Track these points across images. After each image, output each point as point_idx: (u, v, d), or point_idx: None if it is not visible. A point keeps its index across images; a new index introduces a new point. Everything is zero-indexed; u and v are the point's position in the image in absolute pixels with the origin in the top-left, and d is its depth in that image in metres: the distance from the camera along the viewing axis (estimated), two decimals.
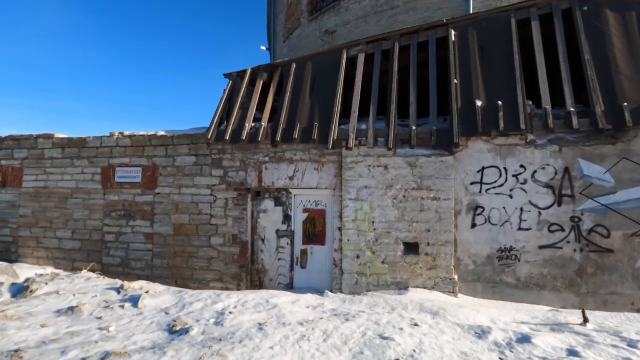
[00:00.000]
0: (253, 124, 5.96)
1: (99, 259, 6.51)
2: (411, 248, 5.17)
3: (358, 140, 5.39)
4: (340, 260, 5.43)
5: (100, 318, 3.56)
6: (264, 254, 5.98)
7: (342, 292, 5.27)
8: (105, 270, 6.43)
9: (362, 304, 4.26)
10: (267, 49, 23.02)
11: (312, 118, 5.74)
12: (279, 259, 5.90)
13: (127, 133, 6.55)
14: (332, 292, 5.38)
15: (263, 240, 5.98)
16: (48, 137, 6.89)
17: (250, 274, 5.92)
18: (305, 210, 5.81)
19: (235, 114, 6.06)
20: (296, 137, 5.57)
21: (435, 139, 5.10)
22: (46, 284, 4.63)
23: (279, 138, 5.64)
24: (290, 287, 5.80)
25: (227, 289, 5.87)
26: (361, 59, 6.00)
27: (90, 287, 4.67)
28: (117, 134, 6.55)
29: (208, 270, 5.99)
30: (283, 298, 4.39)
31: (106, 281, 5.03)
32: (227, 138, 5.83)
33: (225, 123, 6.14)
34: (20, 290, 4.71)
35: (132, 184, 6.40)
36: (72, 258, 6.66)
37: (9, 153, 7.12)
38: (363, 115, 5.82)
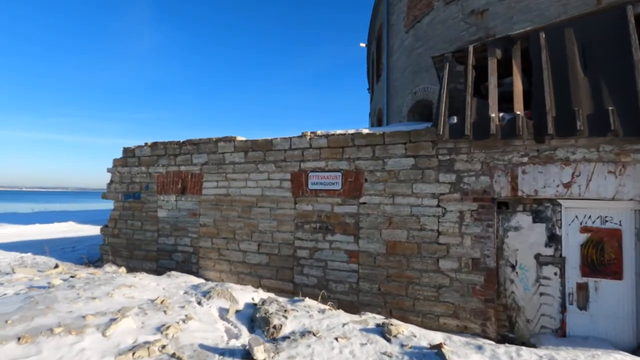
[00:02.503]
0: (500, 114, 4.56)
1: (290, 277, 5.69)
2: None
3: None
4: None
5: None
6: (514, 285, 4.52)
7: None
8: (298, 291, 5.59)
9: None
10: (365, 45, 21.89)
11: (597, 100, 4.13)
12: (540, 294, 4.39)
13: (320, 132, 5.65)
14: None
15: (513, 267, 4.52)
16: (229, 140, 6.34)
17: (496, 311, 4.52)
18: (585, 230, 4.22)
19: (469, 102, 4.73)
20: (580, 127, 4.02)
21: None
22: (285, 317, 3.75)
23: (550, 130, 4.13)
24: (561, 334, 4.25)
25: (465, 328, 4.54)
26: None
27: (336, 325, 3.69)
28: (309, 133, 5.69)
29: (436, 302, 4.73)
30: None
31: (349, 317, 4.04)
32: (468, 133, 4.52)
33: (448, 115, 4.86)
34: (251, 322, 3.91)
35: (330, 191, 5.45)
36: (258, 274, 5.97)
37: (187, 158, 6.76)
38: None
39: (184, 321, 3.68)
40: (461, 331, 4.56)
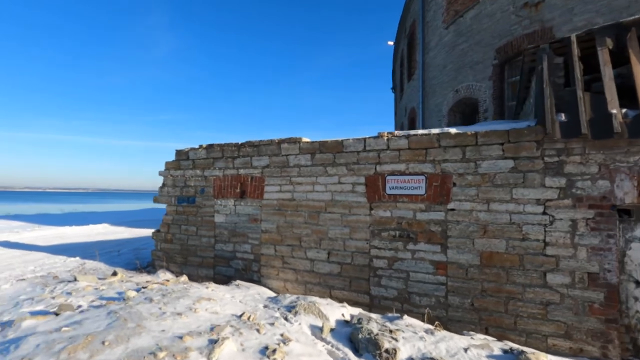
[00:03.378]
0: (622, 110, 4.05)
1: (366, 288, 5.29)
2: None
3: None
4: None
5: None
6: (639, 303, 3.99)
7: None
8: (375, 304, 5.19)
9: None
10: (393, 43, 21.35)
11: None
12: None
13: (398, 133, 5.23)
14: None
15: (638, 283, 4.00)
16: (293, 141, 5.99)
17: (619, 332, 4.00)
18: None
19: (581, 97, 4.22)
20: None
21: None
22: (394, 339, 3.34)
23: None
24: None
25: (581, 350, 4.04)
26: None
27: (456, 349, 3.26)
28: (386, 133, 5.28)
29: (543, 321, 4.24)
30: None
31: (464, 339, 3.60)
32: (585, 132, 4.02)
33: (550, 112, 4.36)
34: (350, 342, 3.52)
35: (412, 196, 5.02)
36: (328, 284, 5.59)
37: (247, 161, 6.45)
38: None
39: (284, 342, 3.32)
40: (575, 354, 4.07)
